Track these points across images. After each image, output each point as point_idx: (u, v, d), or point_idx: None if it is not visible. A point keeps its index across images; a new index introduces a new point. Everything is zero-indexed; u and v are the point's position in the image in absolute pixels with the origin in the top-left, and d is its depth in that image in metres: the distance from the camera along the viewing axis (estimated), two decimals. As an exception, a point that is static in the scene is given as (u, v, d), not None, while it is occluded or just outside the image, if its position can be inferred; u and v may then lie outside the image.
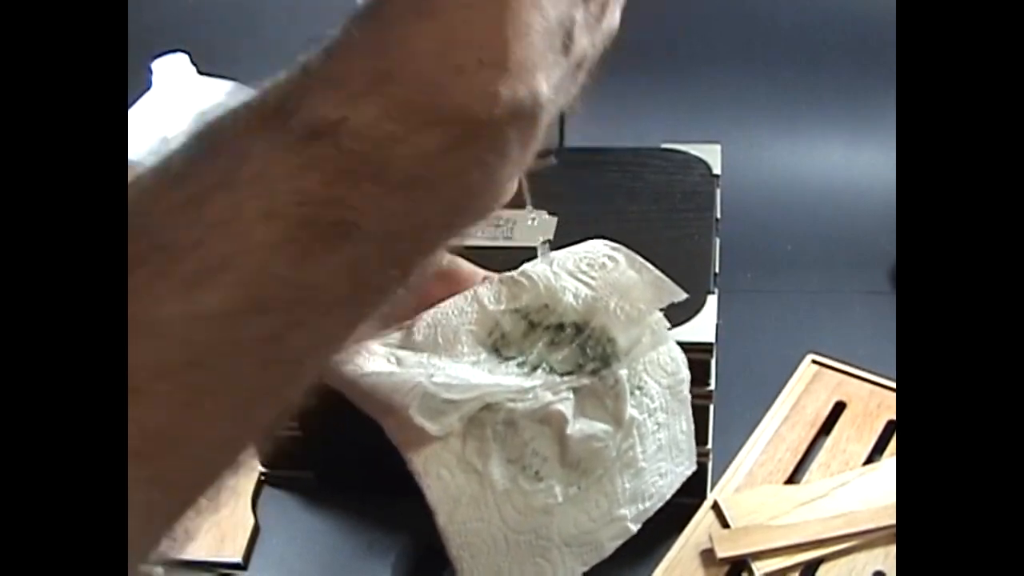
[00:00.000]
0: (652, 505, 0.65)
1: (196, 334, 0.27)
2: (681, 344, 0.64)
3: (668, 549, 0.67)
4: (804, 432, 0.74)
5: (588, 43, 0.35)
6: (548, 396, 0.59)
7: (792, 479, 0.72)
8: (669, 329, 0.64)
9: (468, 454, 0.57)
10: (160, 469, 0.28)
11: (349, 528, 0.74)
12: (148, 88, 0.89)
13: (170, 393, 0.27)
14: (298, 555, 0.73)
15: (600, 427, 0.60)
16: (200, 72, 0.91)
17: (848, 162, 1.01)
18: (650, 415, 0.63)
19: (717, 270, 0.73)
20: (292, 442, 0.70)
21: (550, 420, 0.59)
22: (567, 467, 0.60)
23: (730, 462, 0.72)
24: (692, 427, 0.66)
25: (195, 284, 0.27)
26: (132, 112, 0.89)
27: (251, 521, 0.74)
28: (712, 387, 0.67)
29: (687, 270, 0.70)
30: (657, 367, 0.63)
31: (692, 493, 0.68)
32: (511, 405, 0.58)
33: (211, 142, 0.29)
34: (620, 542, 0.64)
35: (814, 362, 0.80)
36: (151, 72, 0.89)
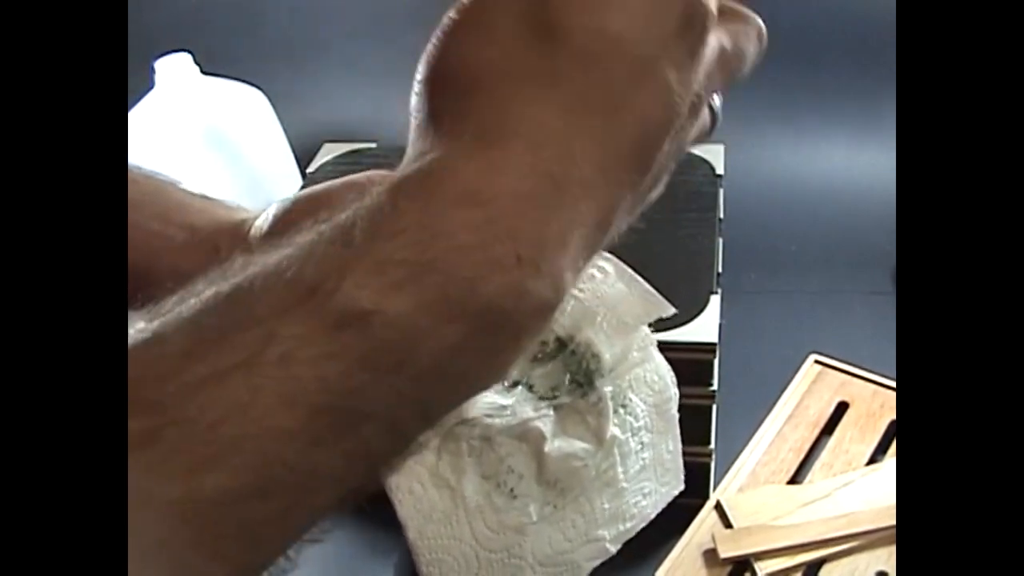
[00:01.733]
0: (634, 526, 0.63)
1: (194, 516, 0.27)
2: (684, 344, 0.64)
3: (670, 549, 0.67)
4: (807, 432, 0.74)
5: (624, 223, 0.35)
6: (528, 412, 0.58)
7: (795, 479, 0.71)
8: (672, 329, 0.64)
9: (442, 469, 0.56)
10: None
11: (352, 528, 0.74)
12: (151, 88, 0.90)
13: (164, 569, 0.27)
14: (300, 554, 0.73)
15: (580, 446, 0.59)
16: (203, 72, 0.91)
17: (850, 162, 1.01)
18: (633, 434, 0.62)
19: (720, 270, 0.73)
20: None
21: (528, 437, 0.58)
22: (543, 485, 0.59)
23: (733, 462, 0.72)
24: (679, 446, 0.65)
25: (204, 466, 0.27)
26: (136, 112, 0.89)
27: (254, 520, 0.74)
28: (715, 387, 0.67)
29: (690, 270, 0.70)
30: (643, 384, 0.62)
31: (695, 493, 0.68)
32: (488, 420, 0.57)
33: (242, 311, 0.28)
34: (598, 563, 0.63)
35: (817, 362, 0.79)
36: (154, 72, 0.89)
